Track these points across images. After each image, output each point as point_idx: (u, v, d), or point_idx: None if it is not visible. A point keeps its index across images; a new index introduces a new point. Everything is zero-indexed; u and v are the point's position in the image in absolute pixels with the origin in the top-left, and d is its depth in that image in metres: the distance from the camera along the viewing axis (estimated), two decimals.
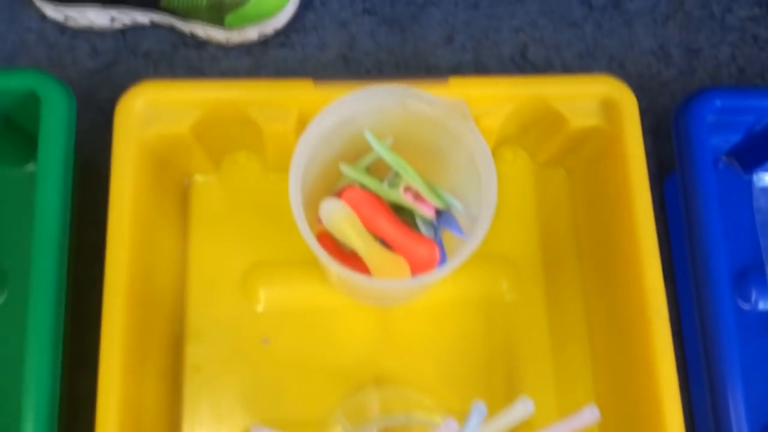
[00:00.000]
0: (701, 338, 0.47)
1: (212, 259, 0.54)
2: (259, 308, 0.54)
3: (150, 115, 0.48)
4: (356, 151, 0.50)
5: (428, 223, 0.50)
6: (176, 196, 0.54)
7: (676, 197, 0.54)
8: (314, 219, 0.51)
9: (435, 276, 0.42)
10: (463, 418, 0.42)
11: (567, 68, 0.60)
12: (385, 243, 0.48)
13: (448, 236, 0.50)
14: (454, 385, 0.52)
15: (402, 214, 0.51)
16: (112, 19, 0.57)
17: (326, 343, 0.53)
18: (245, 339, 0.53)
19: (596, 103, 0.50)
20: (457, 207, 0.49)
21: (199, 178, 0.55)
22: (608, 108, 0.50)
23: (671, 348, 0.45)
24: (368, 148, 0.49)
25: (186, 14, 0.55)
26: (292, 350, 0.53)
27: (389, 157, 0.48)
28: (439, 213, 0.50)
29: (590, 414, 0.42)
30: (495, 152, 0.55)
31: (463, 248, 0.42)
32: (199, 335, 0.53)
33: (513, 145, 0.56)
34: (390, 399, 0.51)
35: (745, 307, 0.53)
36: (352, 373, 0.52)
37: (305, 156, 0.44)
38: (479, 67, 0.60)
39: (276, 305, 0.54)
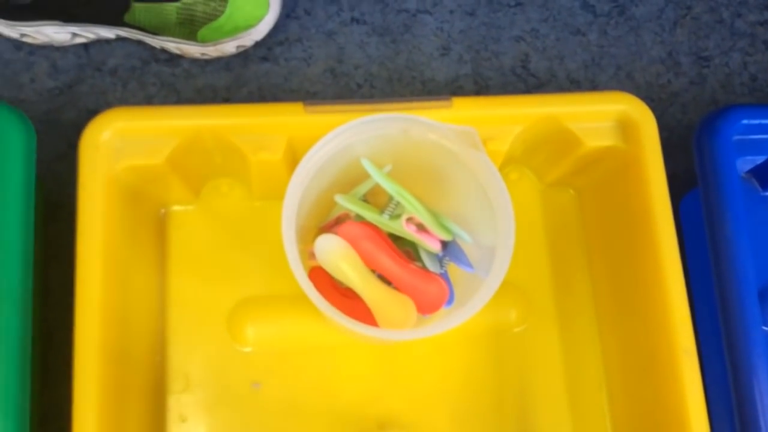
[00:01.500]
0: (729, 361, 0.44)
1: (194, 296, 0.49)
2: (248, 349, 0.49)
3: (120, 146, 0.42)
4: (352, 178, 0.46)
5: (433, 255, 0.46)
6: (152, 229, 0.49)
7: (694, 217, 0.50)
8: (306, 252, 0.46)
9: (451, 324, 0.38)
10: None
11: (572, 79, 0.56)
12: (387, 280, 0.44)
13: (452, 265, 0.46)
14: (464, 425, 0.48)
15: (402, 243, 0.47)
16: (74, 35, 0.51)
17: (323, 385, 0.49)
18: (234, 384, 0.48)
19: (612, 123, 0.46)
20: (466, 239, 0.45)
21: (177, 209, 0.50)
22: (625, 127, 0.46)
23: (701, 387, 0.42)
24: (365, 175, 0.45)
25: (155, 31, 0.50)
26: (286, 394, 0.48)
27: (389, 186, 0.44)
28: (444, 244, 0.46)
29: None
30: (500, 172, 0.52)
31: (481, 292, 0.38)
32: (184, 382, 0.48)
33: (519, 164, 0.52)
34: None
35: (766, 329, 0.51)
36: (353, 418, 0.48)
37: (299, 192, 0.39)
38: (479, 80, 0.56)
39: (266, 345, 0.49)
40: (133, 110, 0.43)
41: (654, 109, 0.57)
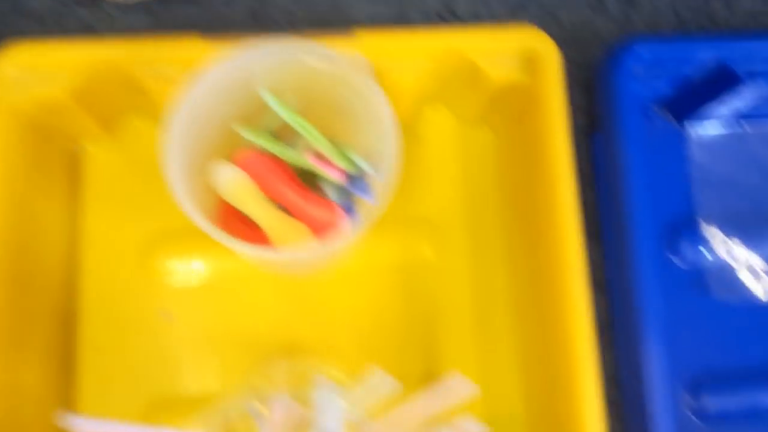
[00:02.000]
0: (624, 292, 0.45)
1: (109, 231, 0.50)
2: (162, 281, 0.50)
3: (23, 80, 0.43)
4: (260, 114, 0.46)
5: (336, 187, 0.46)
6: (63, 165, 0.50)
7: (604, 153, 0.51)
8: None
9: (332, 244, 0.39)
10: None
11: (497, 21, 0.56)
12: (286, 209, 0.45)
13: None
14: (370, 352, 0.49)
15: (309, 177, 0.47)
16: None
17: (234, 314, 0.50)
18: (146, 314, 0.49)
19: (517, 57, 0.46)
20: (367, 169, 0.45)
21: (90, 146, 0.51)
22: (530, 62, 0.46)
23: (589, 312, 0.42)
24: (272, 110, 0.45)
25: None
26: (197, 324, 0.49)
27: (289, 117, 0.44)
28: (350, 177, 0.46)
29: (459, 385, 0.39)
30: (415, 111, 0.52)
31: (364, 212, 0.39)
32: (95, 312, 0.49)
33: (435, 102, 0.53)
34: (298, 370, 0.49)
35: (677, 262, 0.51)
36: (261, 345, 0.49)
37: (187, 119, 0.40)
38: (402, 22, 0.56)
39: (179, 277, 0.50)
40: (35, 45, 0.44)
41: (578, 50, 0.57)
